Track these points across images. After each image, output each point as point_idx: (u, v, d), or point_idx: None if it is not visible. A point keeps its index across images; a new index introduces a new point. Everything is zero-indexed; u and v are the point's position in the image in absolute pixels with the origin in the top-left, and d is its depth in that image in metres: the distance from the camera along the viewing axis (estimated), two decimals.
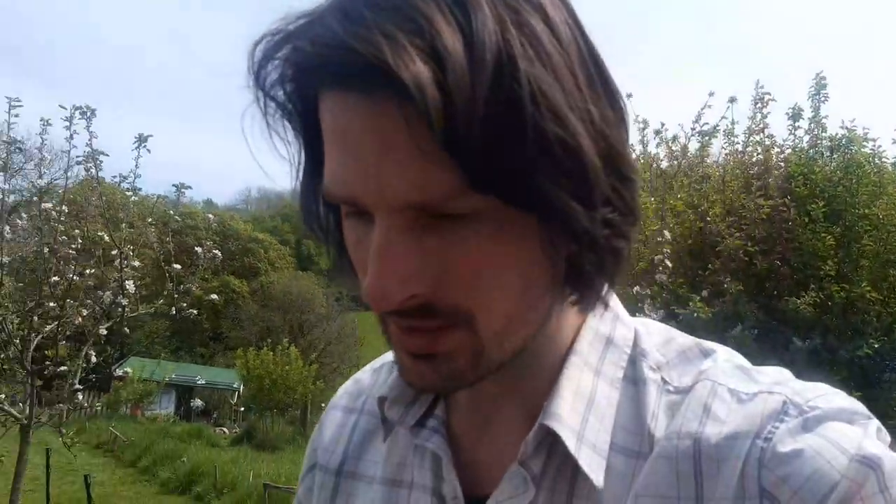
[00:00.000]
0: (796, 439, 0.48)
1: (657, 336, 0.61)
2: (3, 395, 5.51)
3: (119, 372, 6.14)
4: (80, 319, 5.71)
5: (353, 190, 0.47)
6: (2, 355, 5.48)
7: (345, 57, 0.42)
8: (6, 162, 5.63)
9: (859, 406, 0.51)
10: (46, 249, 5.55)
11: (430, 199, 0.44)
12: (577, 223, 0.46)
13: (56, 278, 5.57)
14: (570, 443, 0.53)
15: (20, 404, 5.90)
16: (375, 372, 0.75)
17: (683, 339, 0.60)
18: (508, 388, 0.59)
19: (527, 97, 0.42)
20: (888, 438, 0.50)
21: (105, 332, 5.84)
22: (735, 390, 0.53)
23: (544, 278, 0.50)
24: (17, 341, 5.39)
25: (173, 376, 29.04)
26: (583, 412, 0.55)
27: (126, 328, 5.98)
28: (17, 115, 5.56)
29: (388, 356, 0.72)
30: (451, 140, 0.41)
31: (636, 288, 4.65)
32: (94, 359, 5.89)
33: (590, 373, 0.57)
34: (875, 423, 0.50)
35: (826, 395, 0.52)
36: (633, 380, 0.58)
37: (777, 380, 0.54)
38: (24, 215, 5.85)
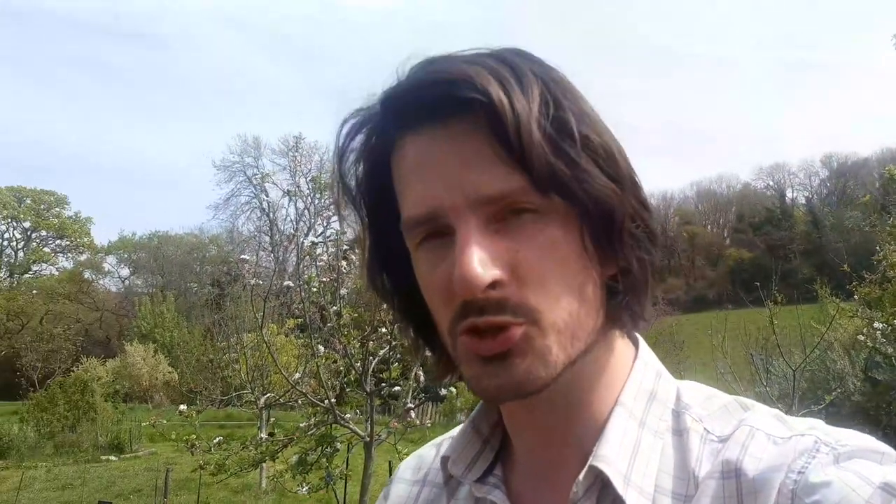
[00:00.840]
0: (826, 472, 0.53)
1: (699, 393, 0.66)
2: (348, 415, 6.12)
3: (443, 392, 6.49)
4: (408, 342, 6.13)
5: (433, 199, 0.56)
6: (346, 378, 6.11)
7: (433, 84, 0.56)
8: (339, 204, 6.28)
9: (889, 449, 0.55)
10: None
11: (505, 192, 0.55)
12: (615, 210, 0.57)
13: (386, 305, 6.06)
14: (619, 485, 0.57)
15: (364, 423, 6.51)
16: (436, 446, 0.81)
17: (724, 396, 0.65)
18: (563, 435, 0.63)
19: (572, 117, 0.56)
20: None
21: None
22: (771, 434, 0.59)
23: (594, 282, 0.59)
24: (358, 364, 5.96)
25: None
26: (628, 458, 0.59)
27: None
28: None
29: (450, 434, 0.79)
30: (521, 149, 0.53)
31: None
32: (422, 378, 6.29)
33: (634, 423, 0.61)
34: None
35: (856, 437, 0.57)
36: (678, 431, 0.62)
37: (810, 425, 0.59)
38: (356, 251, 6.49)
